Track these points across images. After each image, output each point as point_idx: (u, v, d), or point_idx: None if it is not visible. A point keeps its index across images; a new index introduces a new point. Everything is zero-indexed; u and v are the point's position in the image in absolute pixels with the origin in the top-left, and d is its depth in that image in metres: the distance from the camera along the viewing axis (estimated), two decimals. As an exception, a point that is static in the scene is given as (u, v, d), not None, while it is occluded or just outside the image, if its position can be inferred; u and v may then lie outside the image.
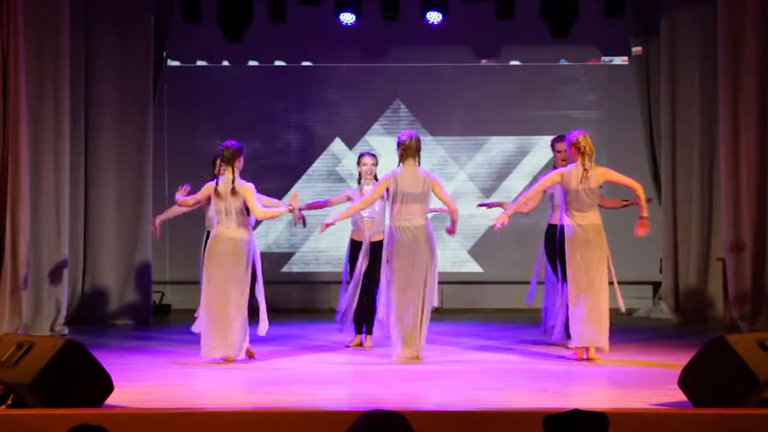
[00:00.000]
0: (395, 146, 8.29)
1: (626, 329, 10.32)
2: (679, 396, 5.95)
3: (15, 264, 9.14)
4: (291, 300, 12.41)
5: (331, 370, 7.80)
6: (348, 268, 8.97)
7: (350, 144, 12.45)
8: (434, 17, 11.62)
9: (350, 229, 9.12)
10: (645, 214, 8.14)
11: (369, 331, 8.82)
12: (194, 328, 8.18)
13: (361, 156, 9.12)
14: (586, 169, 8.04)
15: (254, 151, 12.46)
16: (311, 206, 9.12)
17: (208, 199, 8.94)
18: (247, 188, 8.13)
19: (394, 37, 12.30)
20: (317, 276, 12.49)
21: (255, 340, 8.83)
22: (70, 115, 10.02)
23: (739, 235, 9.81)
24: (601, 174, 8.12)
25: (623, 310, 8.18)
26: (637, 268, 12.12)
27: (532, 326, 9.73)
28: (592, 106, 12.48)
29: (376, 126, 12.50)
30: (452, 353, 8.63)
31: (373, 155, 9.11)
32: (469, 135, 12.54)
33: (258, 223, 9.24)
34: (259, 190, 11.62)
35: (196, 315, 8.26)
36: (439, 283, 12.24)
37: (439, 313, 11.93)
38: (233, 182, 8.13)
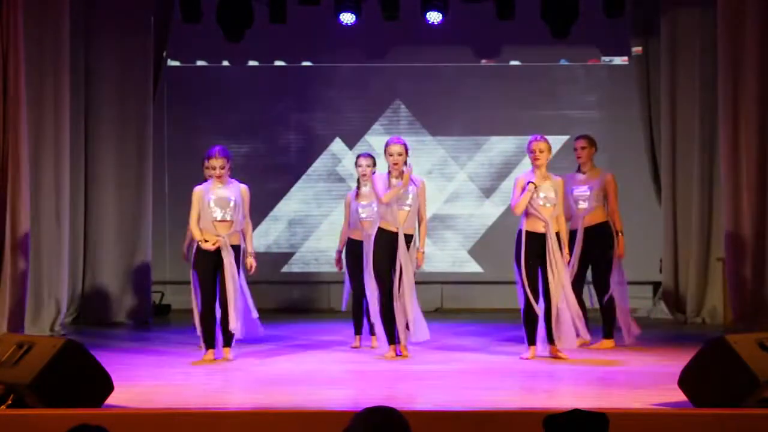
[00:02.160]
0: (404, 151, 8.26)
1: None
2: (679, 396, 5.95)
3: (15, 264, 9.14)
4: (291, 300, 12.42)
5: (331, 370, 7.80)
6: (348, 267, 8.98)
7: (350, 144, 12.45)
8: (434, 17, 11.61)
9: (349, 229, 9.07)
10: None
11: (372, 332, 8.79)
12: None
13: (357, 157, 9.06)
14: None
15: (254, 151, 12.48)
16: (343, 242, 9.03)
17: None
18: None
19: (394, 37, 12.30)
20: (317, 276, 12.49)
21: (256, 340, 8.84)
22: (70, 116, 10.02)
23: (739, 235, 9.80)
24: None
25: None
26: (637, 268, 12.10)
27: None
28: (592, 106, 12.48)
29: (376, 126, 12.51)
30: (452, 353, 8.63)
31: (370, 156, 9.00)
32: (469, 135, 12.54)
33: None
34: (260, 191, 11.68)
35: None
36: (439, 283, 12.39)
37: (439, 313, 11.95)
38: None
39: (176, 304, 12.03)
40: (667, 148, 11.26)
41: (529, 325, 8.13)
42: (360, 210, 8.76)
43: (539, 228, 8.05)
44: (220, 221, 8.01)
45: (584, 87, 12.50)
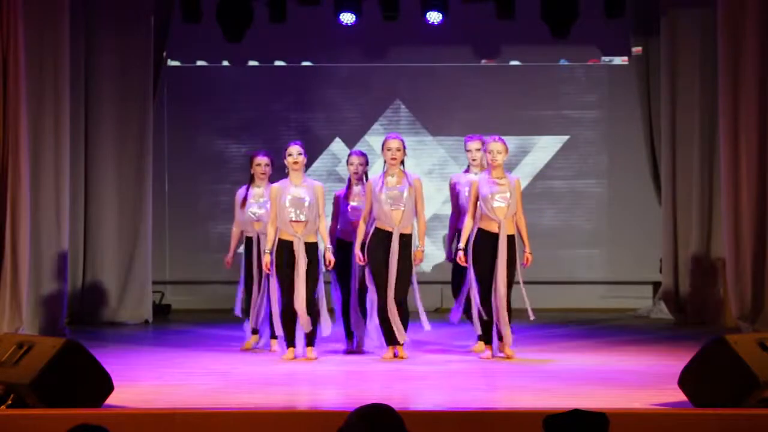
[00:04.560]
0: (402, 147, 8.24)
1: (626, 329, 10.34)
2: (679, 396, 5.95)
3: (15, 264, 9.13)
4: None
5: (330, 371, 7.80)
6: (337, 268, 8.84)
7: (350, 144, 12.44)
8: (434, 17, 11.62)
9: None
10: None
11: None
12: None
13: (349, 155, 8.83)
14: None
15: (254, 151, 12.46)
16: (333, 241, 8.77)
17: (244, 202, 8.86)
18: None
19: (394, 37, 12.29)
20: (317, 276, 12.47)
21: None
22: (70, 115, 10.01)
23: (739, 235, 9.80)
24: None
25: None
26: (637, 268, 12.13)
27: (532, 327, 9.71)
28: (592, 106, 12.48)
29: (376, 126, 12.51)
30: (451, 353, 8.63)
31: (363, 154, 8.75)
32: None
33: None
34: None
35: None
36: (439, 283, 12.36)
37: (439, 313, 11.94)
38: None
39: (176, 304, 12.04)
40: (667, 148, 11.25)
41: (483, 324, 8.13)
42: (351, 211, 8.60)
43: (493, 228, 8.04)
44: (295, 221, 8.08)
45: (584, 87, 12.49)
